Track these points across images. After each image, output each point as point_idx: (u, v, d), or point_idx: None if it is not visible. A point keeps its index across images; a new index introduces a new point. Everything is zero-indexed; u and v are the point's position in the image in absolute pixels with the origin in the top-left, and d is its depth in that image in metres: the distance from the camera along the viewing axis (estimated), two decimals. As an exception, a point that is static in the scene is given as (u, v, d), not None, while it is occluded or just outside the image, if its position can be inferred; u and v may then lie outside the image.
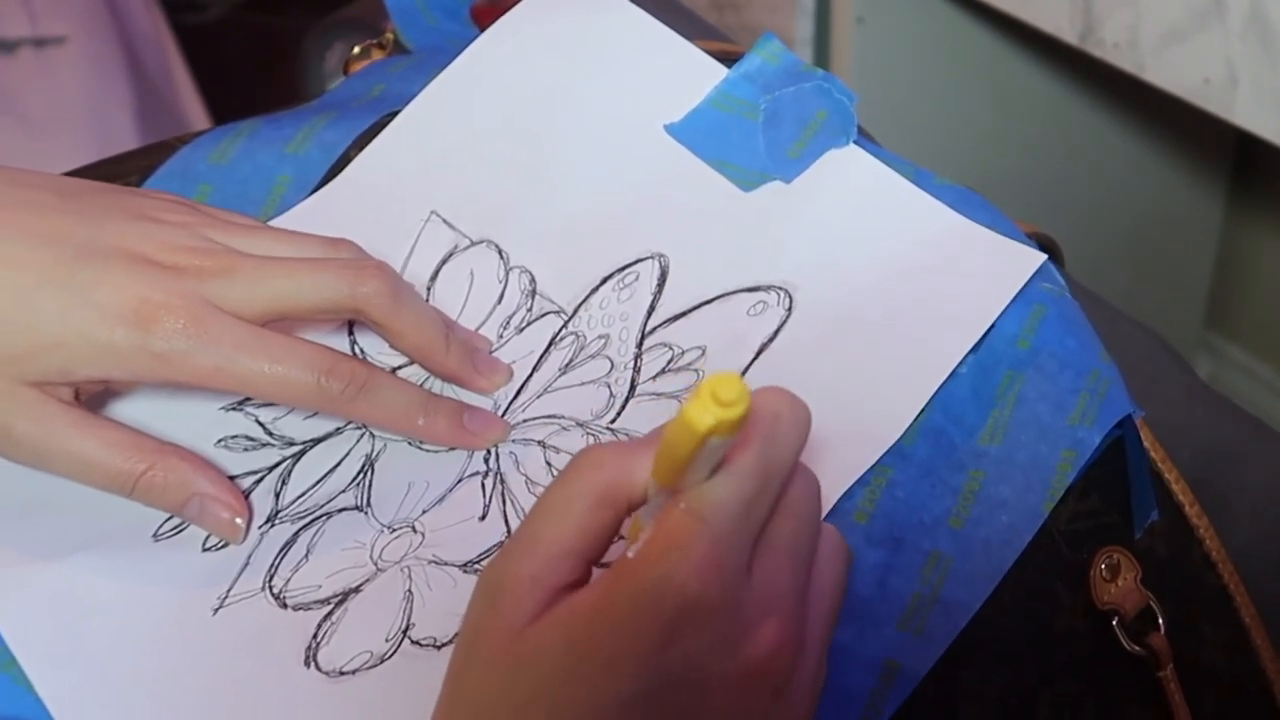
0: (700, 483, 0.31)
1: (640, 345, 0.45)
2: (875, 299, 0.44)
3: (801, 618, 0.33)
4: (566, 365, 0.45)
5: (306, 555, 0.41)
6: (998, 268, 0.45)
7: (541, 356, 0.45)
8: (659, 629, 0.30)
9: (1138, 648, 0.42)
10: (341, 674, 0.39)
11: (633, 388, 0.44)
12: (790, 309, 0.45)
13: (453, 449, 0.43)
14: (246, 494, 0.42)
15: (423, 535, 0.41)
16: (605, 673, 0.30)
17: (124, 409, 0.43)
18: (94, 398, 0.42)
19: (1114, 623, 0.42)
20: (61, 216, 0.40)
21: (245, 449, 0.43)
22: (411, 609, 0.40)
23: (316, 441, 0.44)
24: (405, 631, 0.39)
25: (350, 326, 0.46)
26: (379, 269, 0.42)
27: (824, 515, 0.40)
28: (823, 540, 0.35)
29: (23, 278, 0.39)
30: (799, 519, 0.34)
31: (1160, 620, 0.43)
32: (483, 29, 0.53)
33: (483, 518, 0.42)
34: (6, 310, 0.38)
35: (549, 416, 0.44)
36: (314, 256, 0.42)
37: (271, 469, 0.43)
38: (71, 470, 0.40)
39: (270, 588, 0.40)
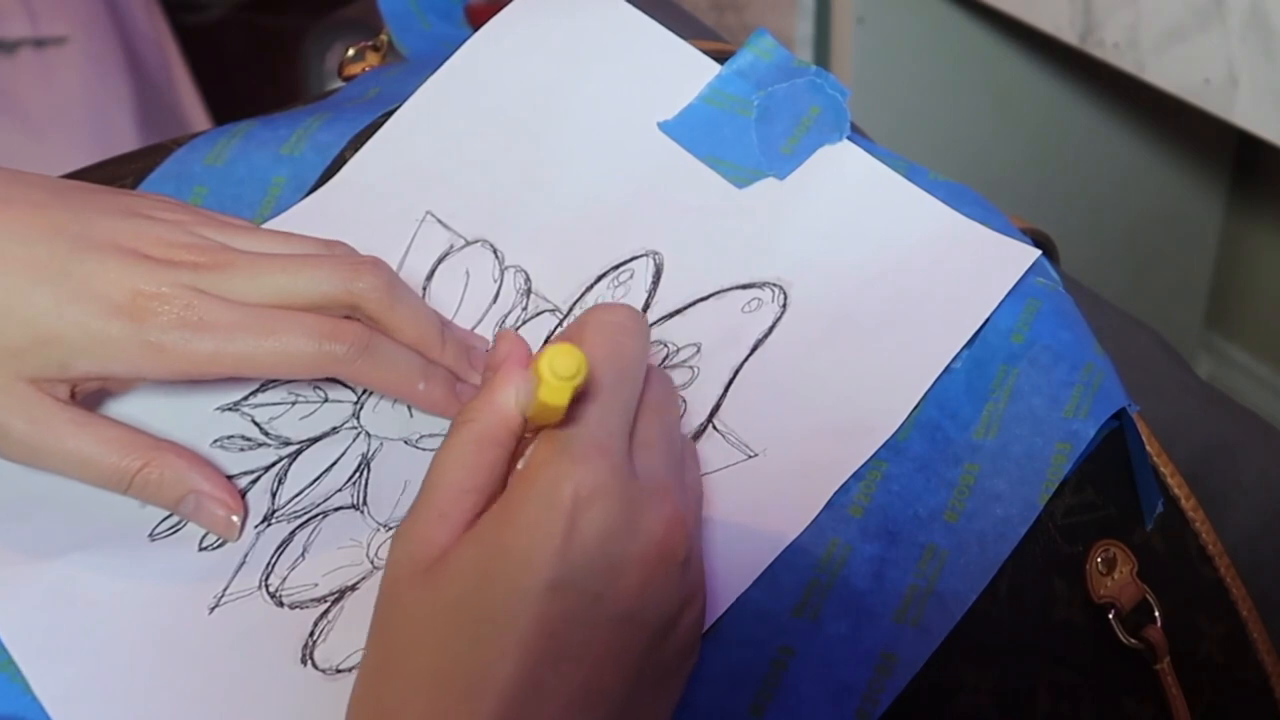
0: None
1: None
2: (870, 295, 0.44)
3: (683, 496, 0.37)
4: None
5: (303, 554, 0.41)
6: (992, 263, 0.45)
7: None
8: (562, 519, 0.33)
9: (1134, 641, 0.42)
10: (338, 672, 0.39)
11: (628, 385, 0.44)
12: (785, 305, 0.45)
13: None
14: (243, 493, 0.42)
15: None
16: (520, 569, 0.33)
17: (120, 409, 0.43)
18: (90, 397, 0.42)
19: (1111, 616, 0.42)
20: (55, 213, 0.40)
21: (241, 449, 0.43)
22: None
23: (313, 441, 0.44)
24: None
25: None
26: (374, 264, 0.42)
27: (819, 511, 0.40)
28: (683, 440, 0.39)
29: (17, 273, 0.39)
30: (664, 416, 0.38)
31: (1157, 613, 0.43)
32: (478, 30, 0.53)
33: None
34: (1, 305, 0.38)
35: None
36: (309, 254, 0.42)
37: (268, 468, 0.43)
38: (67, 467, 0.40)
39: (267, 586, 0.40)
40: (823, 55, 1.10)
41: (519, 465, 0.36)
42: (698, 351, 0.44)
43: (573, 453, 0.34)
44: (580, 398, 0.35)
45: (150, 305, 0.39)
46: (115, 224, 0.40)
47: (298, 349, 0.40)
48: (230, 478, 0.42)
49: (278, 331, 0.40)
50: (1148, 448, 0.44)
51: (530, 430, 0.36)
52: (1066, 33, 0.88)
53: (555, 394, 0.32)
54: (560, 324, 0.46)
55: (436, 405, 0.43)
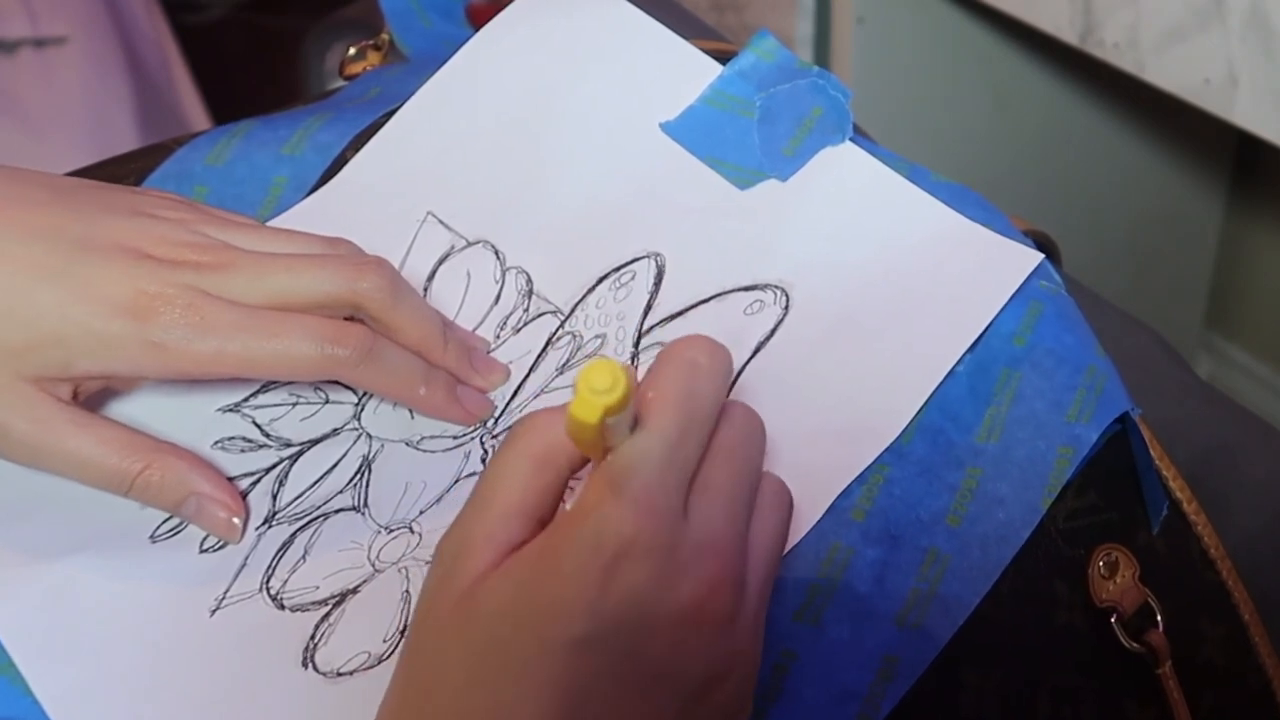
0: (623, 440, 0.33)
1: (637, 345, 0.45)
2: (872, 297, 0.44)
3: (741, 558, 0.34)
4: (564, 365, 0.45)
5: (304, 556, 0.41)
6: (995, 266, 0.45)
7: (539, 357, 0.45)
8: (599, 571, 0.31)
9: (1136, 645, 0.42)
10: (339, 675, 0.39)
11: (630, 387, 0.44)
12: (787, 307, 0.45)
13: (449, 450, 0.43)
14: (244, 495, 0.42)
15: (420, 536, 0.41)
16: (552, 618, 0.31)
17: (122, 410, 0.43)
18: (92, 398, 0.42)
19: (1112, 620, 0.42)
20: (57, 212, 0.40)
21: (242, 450, 0.43)
22: (409, 610, 0.40)
23: (314, 443, 0.44)
24: (403, 632, 0.39)
25: None
26: (378, 264, 0.42)
27: (821, 514, 0.40)
28: (764, 485, 0.36)
29: (19, 272, 0.39)
30: (733, 463, 0.35)
31: (1159, 617, 0.43)
32: (478, 29, 0.53)
33: None
34: (3, 305, 0.38)
35: None
36: (313, 253, 0.42)
37: (269, 470, 0.43)
38: (68, 468, 0.40)
39: (268, 589, 0.40)
40: (823, 55, 1.10)
41: (565, 503, 0.34)
42: (699, 353, 0.44)
43: (621, 502, 0.32)
44: (642, 435, 0.33)
45: (153, 305, 0.39)
46: (118, 223, 0.40)
47: (300, 352, 0.40)
48: (231, 479, 0.42)
49: (280, 334, 0.40)
50: (1151, 451, 0.44)
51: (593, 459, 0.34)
52: (1066, 33, 0.87)
53: (586, 409, 0.30)
54: (561, 325, 0.46)
55: (437, 409, 0.43)
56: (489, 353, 0.46)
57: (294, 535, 0.41)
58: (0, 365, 0.38)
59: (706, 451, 0.35)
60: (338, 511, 0.42)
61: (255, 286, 0.40)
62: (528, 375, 0.45)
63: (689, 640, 0.32)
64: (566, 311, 0.46)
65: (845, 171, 0.47)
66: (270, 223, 0.48)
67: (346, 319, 0.45)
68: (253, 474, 0.43)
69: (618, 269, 0.47)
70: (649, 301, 0.46)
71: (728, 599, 0.33)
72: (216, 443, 0.43)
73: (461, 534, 0.34)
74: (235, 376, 0.40)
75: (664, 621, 0.32)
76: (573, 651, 0.31)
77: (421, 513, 0.42)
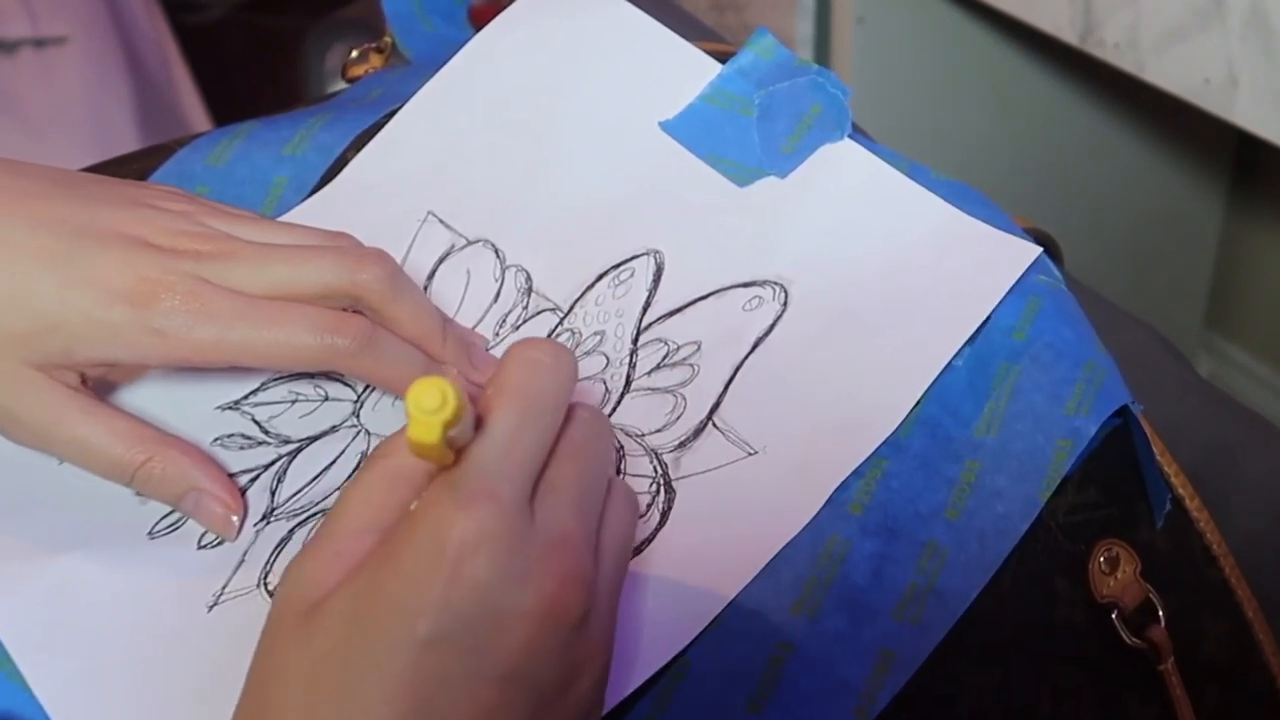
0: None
1: (636, 341, 0.45)
2: (870, 293, 0.44)
3: (590, 556, 0.34)
4: None
5: (302, 552, 0.41)
6: (993, 261, 0.45)
7: (538, 353, 0.45)
8: (443, 569, 0.31)
9: (1138, 641, 0.42)
10: (337, 670, 0.38)
11: (628, 383, 0.44)
12: (786, 304, 0.45)
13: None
14: (242, 492, 0.42)
15: None
16: (394, 618, 0.31)
17: (122, 405, 0.43)
18: (97, 389, 0.42)
19: (1114, 616, 0.42)
20: (60, 202, 0.40)
21: (241, 447, 0.43)
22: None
23: (312, 439, 0.44)
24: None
25: None
26: (379, 256, 0.42)
27: (820, 507, 0.40)
28: (613, 486, 0.36)
29: (21, 259, 0.39)
30: (581, 461, 0.35)
31: (1160, 613, 0.42)
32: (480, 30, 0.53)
33: None
34: (5, 291, 0.38)
35: None
36: (314, 245, 0.42)
37: (267, 467, 0.43)
38: (72, 455, 0.40)
39: (265, 585, 0.40)
40: (823, 55, 1.10)
41: (411, 507, 0.33)
42: (698, 349, 0.44)
43: (460, 495, 0.31)
44: (480, 434, 0.32)
45: (154, 292, 0.39)
46: (120, 213, 0.40)
47: (300, 341, 0.40)
48: (230, 476, 0.42)
49: (280, 323, 0.40)
50: (1153, 447, 0.44)
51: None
52: (1066, 33, 0.88)
53: (423, 430, 0.30)
54: (560, 322, 0.46)
55: None
56: (487, 350, 0.46)
57: (292, 531, 0.41)
58: (6, 352, 0.39)
59: (553, 452, 0.34)
60: (336, 508, 0.42)
61: (256, 276, 0.40)
62: (527, 372, 0.45)
63: (541, 638, 0.32)
64: (566, 309, 0.46)
65: (844, 168, 0.47)
66: (271, 221, 0.48)
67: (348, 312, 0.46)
68: (251, 471, 0.43)
69: (617, 266, 0.47)
70: (648, 298, 0.46)
71: (578, 597, 0.32)
72: (215, 440, 0.43)
73: (308, 556, 0.33)
74: (235, 365, 0.40)
75: (514, 618, 0.31)
76: (419, 650, 0.30)
77: None
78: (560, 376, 0.35)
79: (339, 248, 0.42)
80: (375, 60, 0.57)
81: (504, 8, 0.53)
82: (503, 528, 0.31)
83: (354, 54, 0.58)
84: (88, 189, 0.41)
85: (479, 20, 0.58)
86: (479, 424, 0.33)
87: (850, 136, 0.48)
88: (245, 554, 0.41)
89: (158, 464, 0.40)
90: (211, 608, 0.40)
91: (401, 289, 0.42)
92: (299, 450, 0.43)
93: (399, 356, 0.42)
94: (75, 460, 0.40)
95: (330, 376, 0.45)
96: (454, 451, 0.32)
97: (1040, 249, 0.45)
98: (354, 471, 0.43)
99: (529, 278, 0.47)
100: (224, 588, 0.40)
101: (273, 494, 0.42)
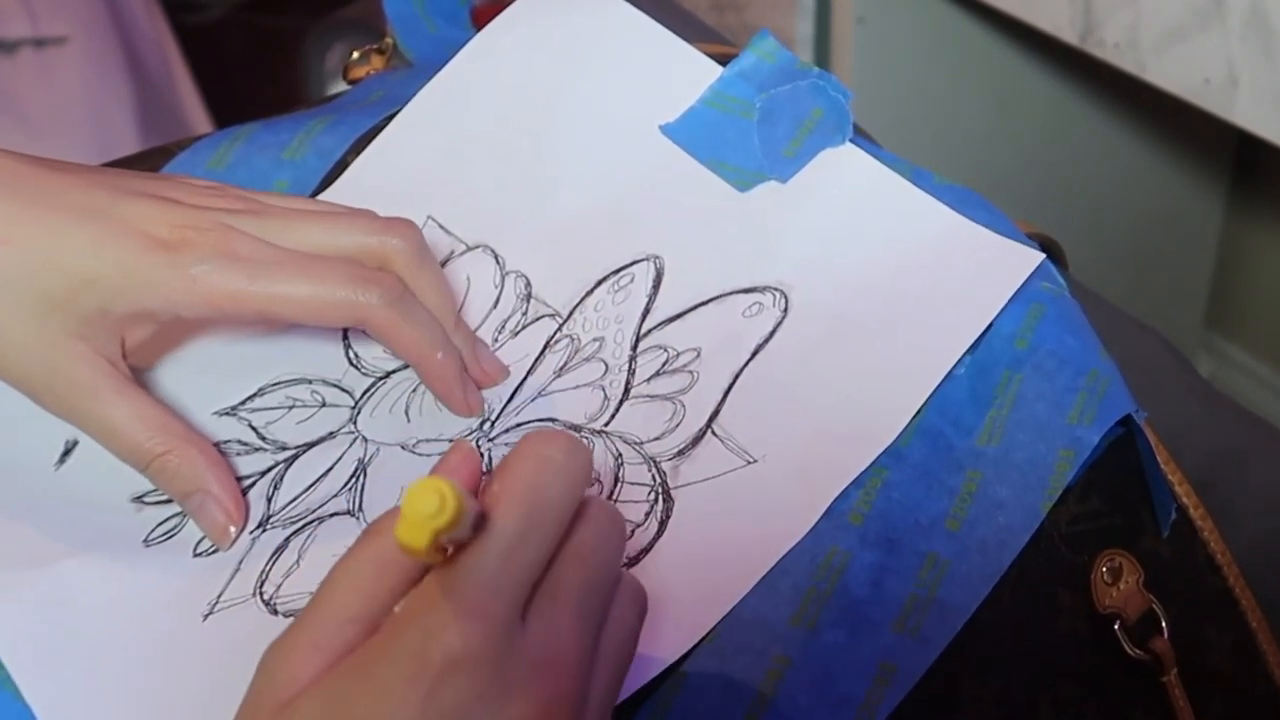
0: (465, 538, 0.31)
1: (635, 348, 0.45)
2: (872, 299, 0.44)
3: (583, 672, 0.31)
4: (561, 368, 0.45)
5: (298, 561, 0.41)
6: (995, 267, 0.44)
7: (536, 360, 0.45)
8: (420, 687, 0.29)
9: (1140, 652, 0.42)
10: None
11: (627, 390, 0.44)
12: (786, 310, 0.44)
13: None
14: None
15: None
16: None
17: None
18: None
19: (1116, 627, 0.42)
20: (90, 173, 0.41)
21: (238, 453, 0.43)
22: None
23: (309, 446, 0.43)
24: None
25: (345, 332, 0.46)
26: (408, 224, 0.43)
27: (818, 518, 0.40)
28: (621, 586, 0.34)
29: (54, 218, 0.39)
30: (587, 566, 0.32)
31: (1164, 624, 0.42)
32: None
33: None
34: (41, 247, 0.38)
35: (543, 420, 0.44)
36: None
37: (264, 474, 0.43)
38: (97, 432, 0.40)
39: (261, 594, 0.40)
40: (823, 55, 1.10)
41: (396, 609, 0.31)
42: (698, 356, 0.44)
43: (449, 609, 0.29)
44: (480, 536, 0.30)
45: (186, 238, 0.39)
46: (150, 183, 0.41)
47: (331, 293, 0.40)
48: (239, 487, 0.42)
49: (313, 274, 0.40)
50: (1157, 455, 0.44)
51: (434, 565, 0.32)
52: (1066, 33, 0.87)
53: (413, 533, 0.28)
54: (559, 328, 0.46)
55: (446, 382, 0.43)
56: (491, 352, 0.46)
57: (288, 540, 0.41)
58: (47, 319, 0.38)
59: (558, 552, 0.32)
60: (332, 515, 0.42)
61: (287, 234, 0.41)
62: (525, 378, 0.45)
63: None
64: (565, 315, 0.46)
65: (845, 172, 0.47)
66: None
67: (343, 331, 0.46)
68: (248, 478, 0.43)
69: (616, 271, 0.46)
70: (647, 304, 0.45)
71: (563, 719, 0.30)
72: (213, 445, 0.43)
73: (287, 643, 0.31)
74: (263, 318, 0.40)
75: None
76: None
77: None
78: (573, 476, 0.33)
79: (368, 212, 0.43)
80: (377, 61, 0.57)
81: (507, 4, 0.53)
82: (489, 650, 0.30)
83: (355, 55, 0.58)
84: (110, 171, 0.42)
85: (482, 21, 0.57)
86: (481, 519, 0.31)
87: (852, 140, 0.48)
88: (241, 563, 0.41)
89: (174, 458, 0.40)
90: (207, 617, 0.39)
91: (427, 260, 0.43)
92: (296, 457, 0.43)
93: (422, 320, 0.42)
94: (97, 438, 0.40)
95: (328, 381, 0.45)
96: (448, 549, 0.30)
97: (1043, 255, 0.44)
98: (350, 479, 0.43)
99: (528, 283, 0.47)
100: (219, 596, 0.40)
101: (269, 501, 0.42)
